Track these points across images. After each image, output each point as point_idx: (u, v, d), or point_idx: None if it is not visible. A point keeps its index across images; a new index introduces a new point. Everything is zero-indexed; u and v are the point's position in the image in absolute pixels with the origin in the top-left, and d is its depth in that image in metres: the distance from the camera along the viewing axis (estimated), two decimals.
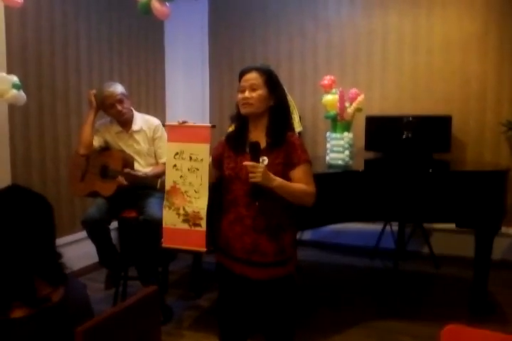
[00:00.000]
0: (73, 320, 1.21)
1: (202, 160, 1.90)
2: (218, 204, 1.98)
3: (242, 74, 1.97)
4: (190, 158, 1.91)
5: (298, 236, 4.53)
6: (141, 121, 3.19)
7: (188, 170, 1.91)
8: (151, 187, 2.93)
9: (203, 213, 1.90)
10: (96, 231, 3.01)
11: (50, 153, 3.71)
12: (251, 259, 1.91)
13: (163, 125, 2.05)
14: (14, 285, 1.21)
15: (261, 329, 2.04)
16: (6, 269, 1.22)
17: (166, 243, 2.00)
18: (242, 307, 2.01)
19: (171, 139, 1.96)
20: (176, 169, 1.93)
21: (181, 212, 1.93)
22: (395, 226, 4.32)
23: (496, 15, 4.12)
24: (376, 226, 4.38)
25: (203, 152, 1.90)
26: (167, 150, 1.97)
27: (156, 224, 2.86)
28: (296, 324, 2.05)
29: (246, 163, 1.81)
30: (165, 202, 1.96)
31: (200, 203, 1.90)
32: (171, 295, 3.50)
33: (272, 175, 1.81)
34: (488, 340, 1.25)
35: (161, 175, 3.08)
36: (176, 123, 1.97)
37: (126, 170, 2.97)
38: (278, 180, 1.82)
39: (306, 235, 4.71)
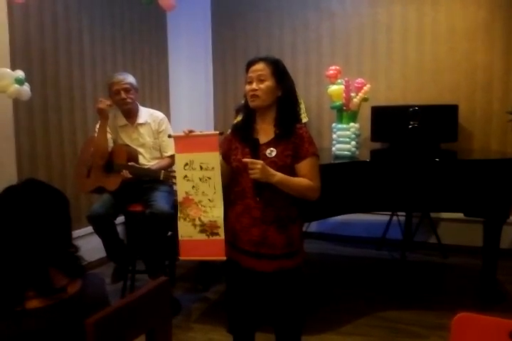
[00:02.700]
0: (89, 314, 1.20)
1: (213, 168, 1.87)
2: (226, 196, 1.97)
3: (249, 65, 1.95)
4: (201, 167, 1.88)
5: (304, 228, 4.54)
6: (146, 114, 3.21)
7: (200, 179, 1.89)
8: (155, 179, 2.93)
9: (220, 222, 1.88)
10: (102, 226, 3.01)
11: (55, 148, 3.71)
12: (259, 252, 1.90)
13: (170, 136, 2.02)
14: (28, 274, 1.21)
15: (270, 321, 2.04)
16: (21, 258, 1.22)
17: (184, 255, 1.95)
18: (250, 300, 2.00)
19: (180, 150, 1.92)
20: (187, 180, 1.90)
21: (197, 222, 1.90)
22: (402, 217, 4.30)
23: (503, 2, 4.07)
24: (383, 217, 4.36)
25: (213, 160, 1.87)
26: (176, 162, 1.93)
27: (163, 218, 2.90)
28: (305, 316, 2.05)
29: (245, 159, 1.82)
30: (179, 214, 1.93)
31: (216, 212, 1.88)
32: (178, 288, 3.51)
33: (272, 171, 1.80)
34: (501, 328, 1.24)
35: (166, 168, 3.09)
36: (182, 133, 1.93)
37: (131, 163, 2.97)
38: (278, 176, 1.81)
39: (313, 227, 4.69)
